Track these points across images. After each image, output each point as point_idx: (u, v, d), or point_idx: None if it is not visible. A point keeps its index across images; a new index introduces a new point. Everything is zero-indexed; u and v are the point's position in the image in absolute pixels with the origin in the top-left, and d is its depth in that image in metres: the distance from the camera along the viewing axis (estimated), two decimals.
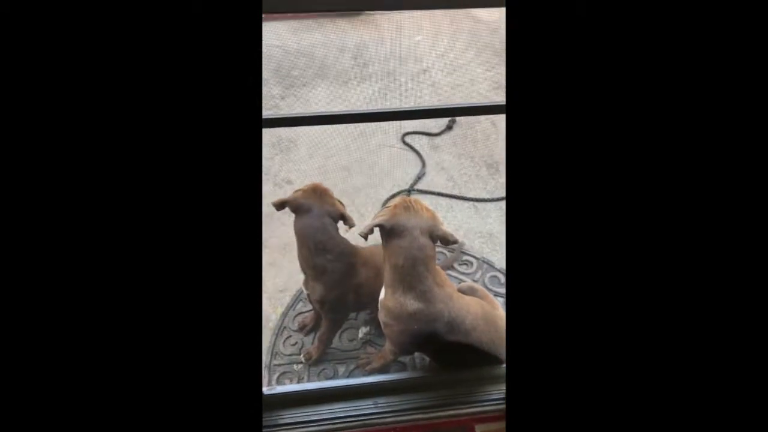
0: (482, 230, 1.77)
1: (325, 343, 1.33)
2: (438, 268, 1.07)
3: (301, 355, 1.36)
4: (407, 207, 1.03)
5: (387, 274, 1.05)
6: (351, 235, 1.29)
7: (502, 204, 1.88)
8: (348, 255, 1.17)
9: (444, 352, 1.15)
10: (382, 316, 1.09)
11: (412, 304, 1.01)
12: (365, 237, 1.02)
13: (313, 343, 1.37)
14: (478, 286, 1.37)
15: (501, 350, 1.17)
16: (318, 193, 1.16)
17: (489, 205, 1.88)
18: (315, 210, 1.13)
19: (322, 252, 1.13)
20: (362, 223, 1.79)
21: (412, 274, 1.00)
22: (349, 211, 1.87)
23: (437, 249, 1.06)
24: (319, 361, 1.36)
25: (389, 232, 1.01)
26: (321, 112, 0.92)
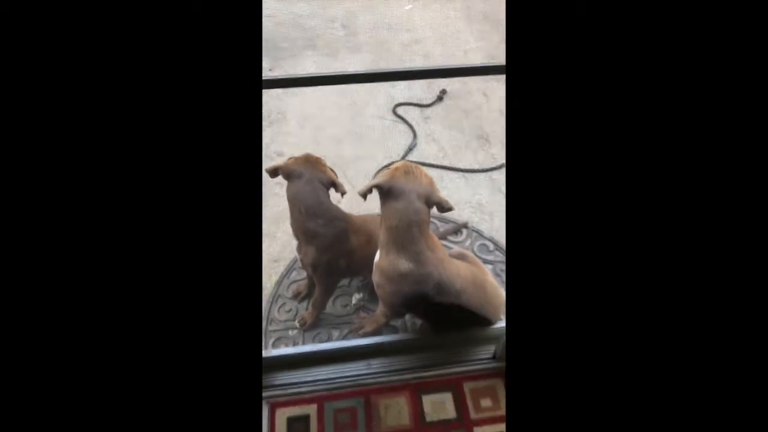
0: (472, 200, 1.80)
1: (319, 308, 1.37)
2: (431, 233, 1.10)
3: (296, 321, 1.41)
4: (407, 171, 1.05)
5: (382, 236, 1.08)
6: (345, 203, 1.31)
7: (492, 174, 1.91)
8: (339, 220, 1.20)
9: (435, 314, 1.20)
10: (375, 278, 1.13)
11: (404, 264, 1.05)
12: (364, 196, 1.05)
13: (307, 309, 1.41)
14: (467, 252, 1.41)
15: (489, 313, 1.22)
16: (311, 161, 1.18)
17: (479, 175, 1.91)
18: (306, 176, 1.15)
19: (312, 216, 1.16)
20: (352, 191, 1.80)
21: (406, 236, 1.03)
22: (342, 182, 1.89)
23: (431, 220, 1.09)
24: (313, 326, 1.40)
25: (387, 194, 1.04)
26: (317, 73, 0.91)
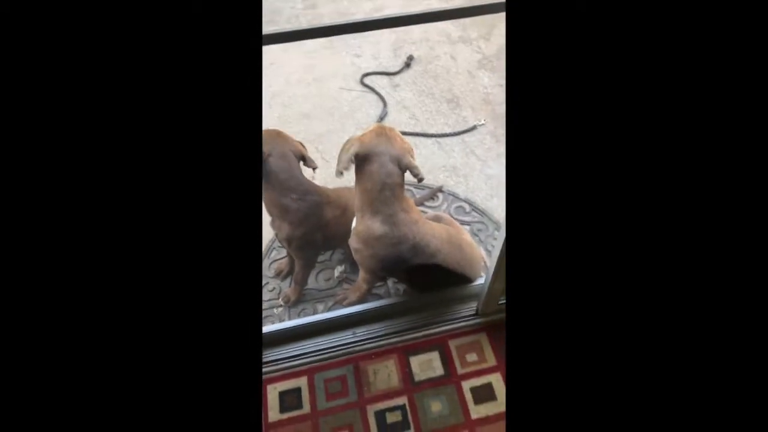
0: (446, 164, 1.80)
1: (301, 283, 1.37)
2: (406, 196, 1.10)
3: (280, 299, 1.41)
4: (380, 133, 1.04)
5: (356, 200, 1.08)
6: (320, 179, 1.30)
7: (464, 137, 1.90)
8: (312, 194, 1.19)
9: (415, 276, 1.21)
10: (352, 243, 1.13)
11: (378, 227, 1.05)
12: (342, 174, 1.02)
13: (290, 286, 1.42)
14: (443, 214, 1.41)
15: (467, 270, 1.24)
16: (281, 137, 1.17)
17: (451, 139, 1.90)
18: (276, 151, 1.13)
19: (286, 191, 1.15)
20: (326, 166, 1.77)
21: (380, 199, 1.03)
22: (315, 157, 1.86)
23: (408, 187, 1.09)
24: (298, 302, 1.40)
25: (361, 159, 1.03)
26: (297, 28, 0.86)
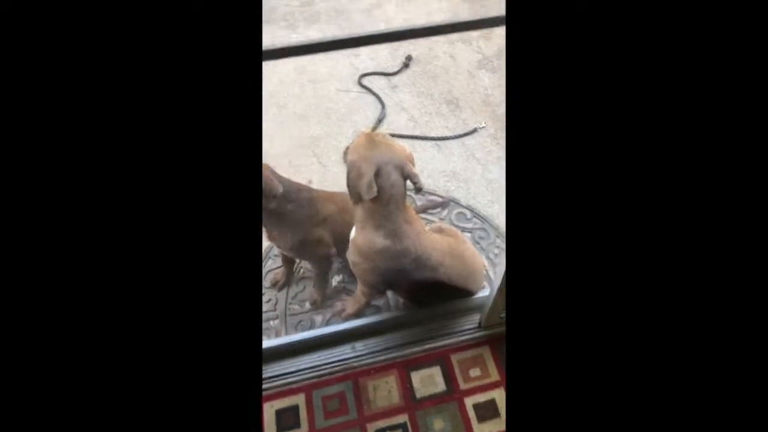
0: (446, 169, 1.76)
1: (323, 286, 1.35)
2: (408, 204, 1.05)
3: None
4: (373, 141, 0.99)
5: (358, 212, 1.03)
6: (318, 185, 1.25)
7: (464, 140, 1.86)
8: (303, 190, 1.16)
9: (415, 290, 1.17)
10: (351, 256, 1.08)
11: (380, 241, 1.01)
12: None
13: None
14: (445, 225, 1.37)
15: (469, 283, 1.20)
16: None
17: (451, 142, 1.86)
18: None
19: (284, 194, 1.10)
20: (323, 171, 1.72)
21: (383, 213, 0.98)
22: (311, 162, 1.81)
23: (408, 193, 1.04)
24: (294, 313, 1.36)
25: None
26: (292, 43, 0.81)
